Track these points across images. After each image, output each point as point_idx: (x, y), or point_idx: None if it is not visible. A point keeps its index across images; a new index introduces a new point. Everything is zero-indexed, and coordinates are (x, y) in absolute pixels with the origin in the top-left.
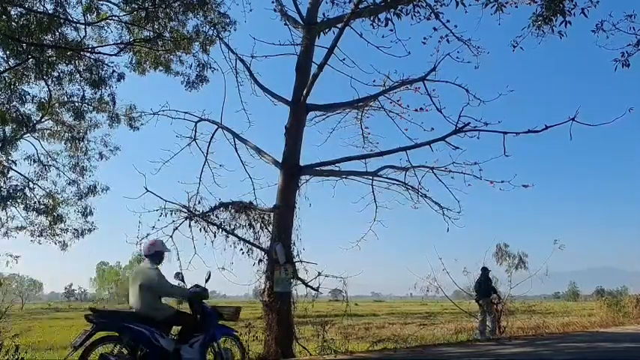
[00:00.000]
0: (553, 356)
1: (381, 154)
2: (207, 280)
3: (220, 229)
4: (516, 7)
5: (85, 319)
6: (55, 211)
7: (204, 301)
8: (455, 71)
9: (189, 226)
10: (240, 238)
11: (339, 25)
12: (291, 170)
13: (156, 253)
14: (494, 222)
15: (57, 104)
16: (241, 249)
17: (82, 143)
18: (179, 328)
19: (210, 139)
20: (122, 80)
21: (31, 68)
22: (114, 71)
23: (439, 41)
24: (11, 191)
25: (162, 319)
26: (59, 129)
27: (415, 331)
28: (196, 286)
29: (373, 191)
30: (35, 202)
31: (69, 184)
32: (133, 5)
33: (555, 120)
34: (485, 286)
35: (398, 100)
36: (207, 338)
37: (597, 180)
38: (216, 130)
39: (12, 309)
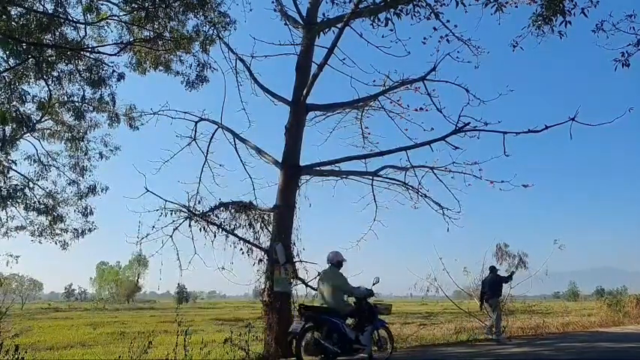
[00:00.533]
0: (553, 356)
1: (381, 154)
2: (374, 284)
3: (220, 229)
4: (516, 7)
5: (298, 312)
6: (55, 211)
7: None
8: (455, 71)
9: (189, 226)
10: (240, 238)
11: (339, 25)
12: (291, 170)
13: (339, 262)
14: (494, 222)
15: (57, 104)
16: (241, 249)
17: (82, 143)
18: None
19: (210, 139)
20: (122, 80)
21: (31, 68)
22: (114, 71)
23: (439, 41)
24: (11, 191)
25: (345, 313)
26: (59, 129)
27: (415, 331)
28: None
29: (373, 191)
30: (35, 202)
31: (69, 184)
32: (133, 5)
33: (556, 119)
34: (495, 286)
35: (398, 100)
36: (373, 328)
37: (598, 180)
38: (216, 130)
39: (12, 309)
